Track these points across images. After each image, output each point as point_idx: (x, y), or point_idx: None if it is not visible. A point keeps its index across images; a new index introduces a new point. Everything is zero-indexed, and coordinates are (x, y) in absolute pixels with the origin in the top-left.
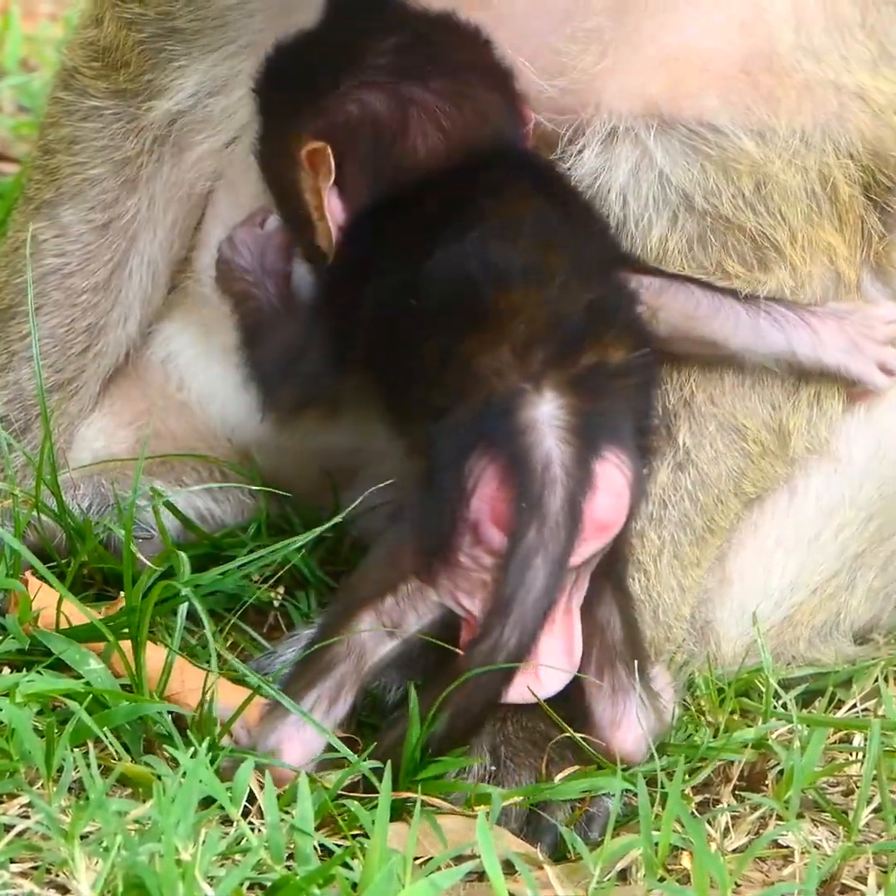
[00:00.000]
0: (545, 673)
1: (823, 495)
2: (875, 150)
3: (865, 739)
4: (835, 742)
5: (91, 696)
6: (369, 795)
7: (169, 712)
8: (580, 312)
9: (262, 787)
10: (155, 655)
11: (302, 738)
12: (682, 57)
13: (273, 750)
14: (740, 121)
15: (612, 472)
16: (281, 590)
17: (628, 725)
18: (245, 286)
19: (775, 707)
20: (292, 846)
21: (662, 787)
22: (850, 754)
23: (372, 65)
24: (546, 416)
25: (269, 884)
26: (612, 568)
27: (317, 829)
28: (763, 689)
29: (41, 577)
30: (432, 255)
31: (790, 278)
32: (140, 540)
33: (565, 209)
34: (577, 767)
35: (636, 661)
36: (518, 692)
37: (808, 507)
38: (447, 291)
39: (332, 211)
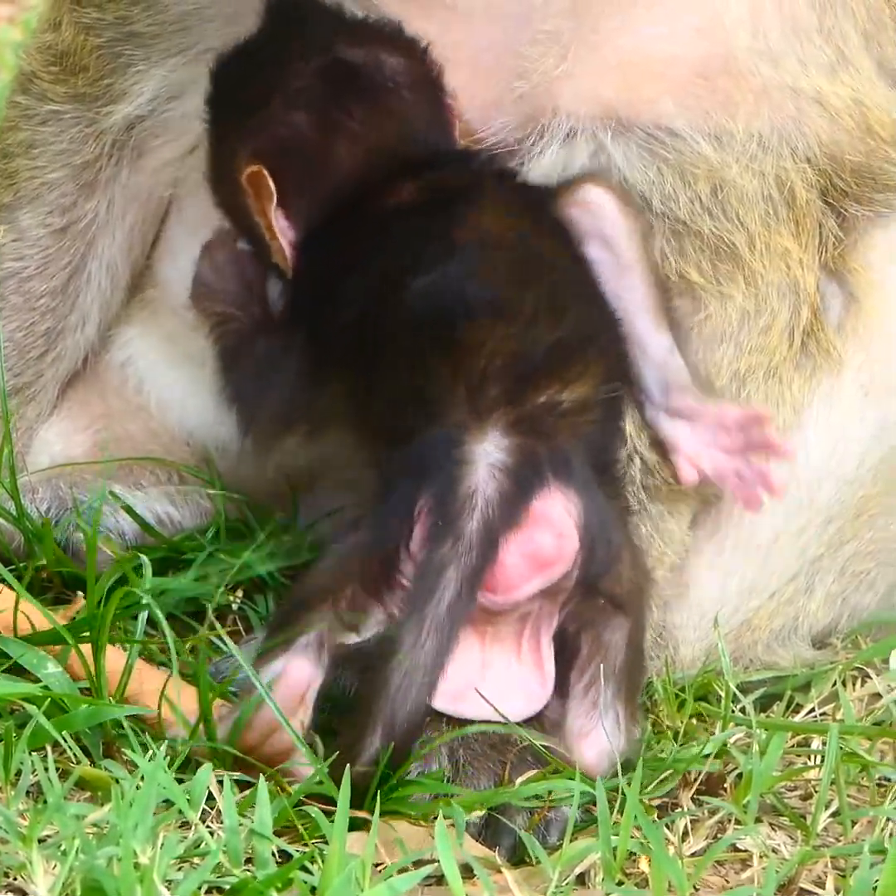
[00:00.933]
0: (502, 697)
1: (780, 500)
2: (832, 154)
3: (823, 744)
4: (792, 746)
5: (49, 699)
6: (330, 807)
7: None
8: (542, 349)
9: (222, 790)
10: (113, 658)
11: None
12: (638, 60)
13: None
14: (698, 125)
15: (554, 512)
16: (239, 593)
17: (596, 738)
18: (224, 308)
19: (733, 711)
20: (251, 851)
21: (621, 792)
22: (808, 758)
23: (297, 87)
24: (484, 453)
25: (227, 887)
26: (628, 600)
27: (277, 835)
28: (721, 694)
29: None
30: (407, 278)
31: (748, 289)
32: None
33: (542, 230)
34: (536, 771)
35: (626, 688)
36: (476, 709)
37: (765, 512)
38: (419, 318)
39: (282, 230)
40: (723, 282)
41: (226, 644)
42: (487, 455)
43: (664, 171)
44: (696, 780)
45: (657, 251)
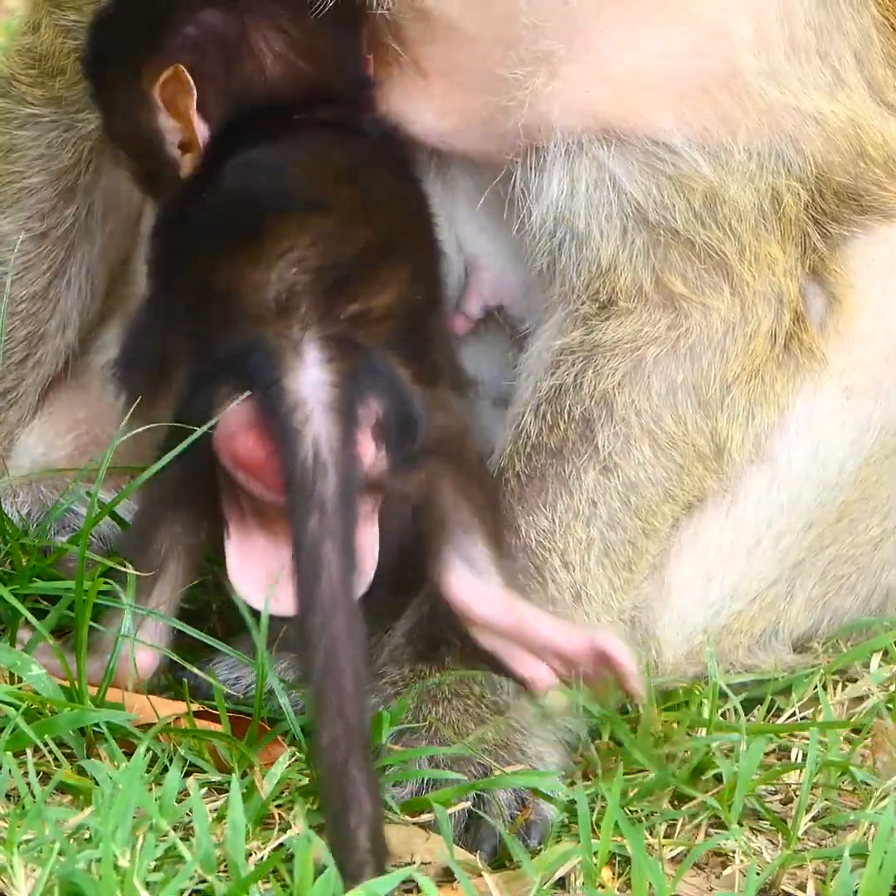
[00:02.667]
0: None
1: (762, 503)
2: (822, 174)
3: (805, 748)
4: (773, 750)
5: (28, 703)
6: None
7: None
8: (354, 253)
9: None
10: None
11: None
12: (640, 76)
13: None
14: (697, 141)
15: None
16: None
17: (470, 585)
18: None
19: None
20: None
21: (601, 796)
22: (790, 759)
23: None
24: (311, 385)
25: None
26: (445, 450)
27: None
28: (703, 698)
29: None
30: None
31: (733, 298)
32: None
33: (382, 165)
34: (520, 767)
35: (483, 528)
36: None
37: (747, 515)
38: (228, 201)
39: (200, 130)
40: (707, 292)
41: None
42: (315, 388)
43: (660, 184)
44: (676, 783)
45: (639, 261)
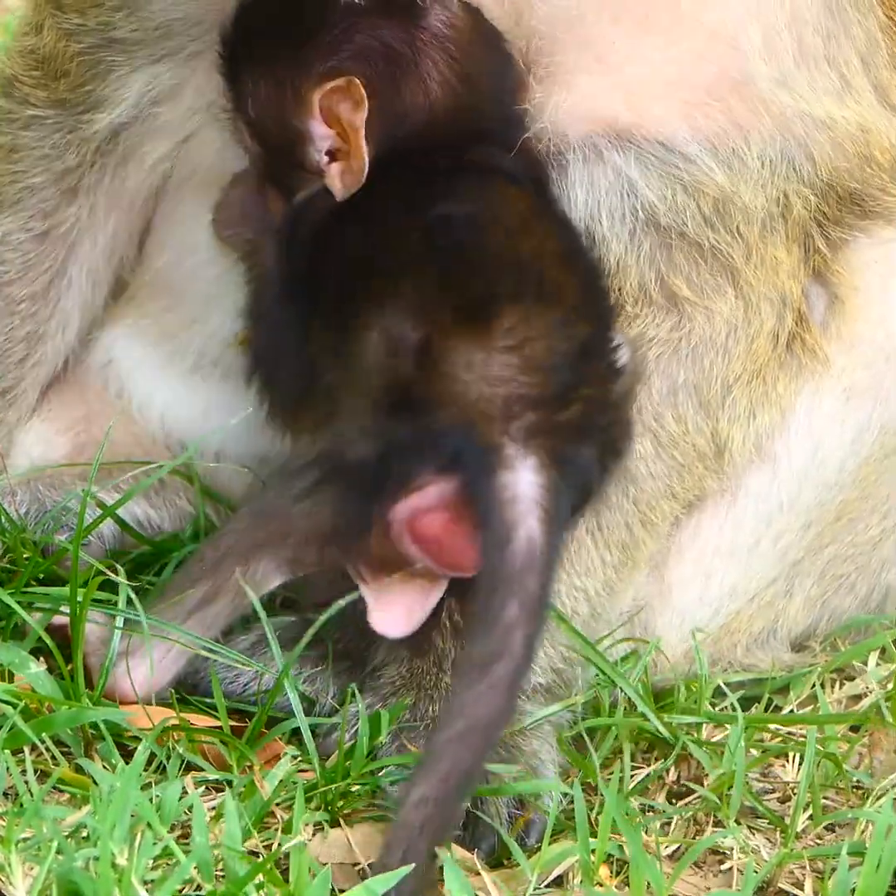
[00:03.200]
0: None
1: (762, 503)
2: (829, 180)
3: (802, 747)
4: (770, 751)
5: (26, 701)
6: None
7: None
8: (574, 353)
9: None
10: None
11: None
12: (652, 82)
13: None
14: (710, 147)
15: None
16: None
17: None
18: (253, 235)
19: (713, 710)
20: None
21: (600, 794)
22: (787, 760)
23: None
24: (527, 484)
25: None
26: None
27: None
28: (700, 696)
29: None
30: (445, 226)
31: (737, 300)
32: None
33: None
34: (518, 768)
35: None
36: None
37: (747, 515)
38: (443, 266)
39: (364, 149)
40: (711, 295)
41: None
42: (527, 483)
43: (672, 187)
44: (672, 780)
45: (645, 263)
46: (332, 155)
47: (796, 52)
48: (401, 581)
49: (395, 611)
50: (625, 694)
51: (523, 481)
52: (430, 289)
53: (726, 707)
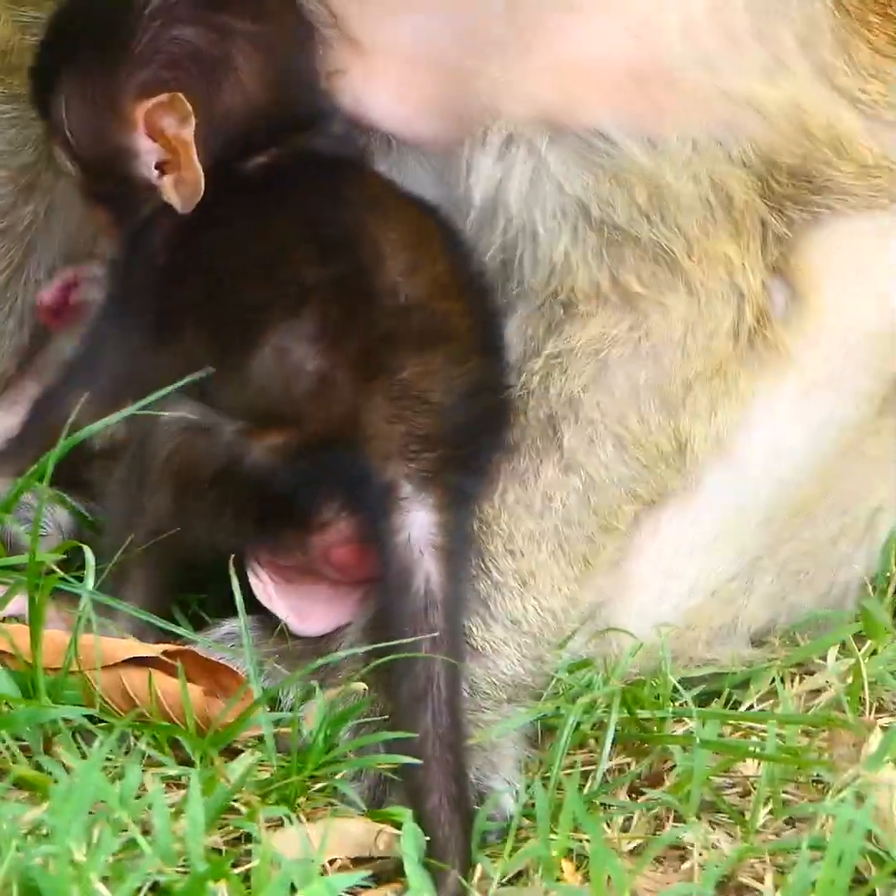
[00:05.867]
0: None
1: (721, 499)
2: (768, 157)
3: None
4: (730, 746)
5: None
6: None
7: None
8: (469, 390)
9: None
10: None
11: None
12: (573, 65)
13: None
14: (630, 129)
15: None
16: None
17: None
18: None
19: (672, 708)
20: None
21: (556, 789)
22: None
23: (182, 5)
24: (423, 526)
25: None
26: None
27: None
28: (659, 692)
29: None
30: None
31: (690, 297)
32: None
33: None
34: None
35: None
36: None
37: (707, 512)
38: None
39: (196, 160)
40: (663, 291)
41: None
42: (422, 524)
43: (600, 177)
44: (635, 777)
45: (593, 260)
46: (161, 168)
47: (720, 31)
48: (318, 584)
49: (313, 609)
50: (590, 691)
51: (418, 522)
52: (327, 317)
53: (685, 702)
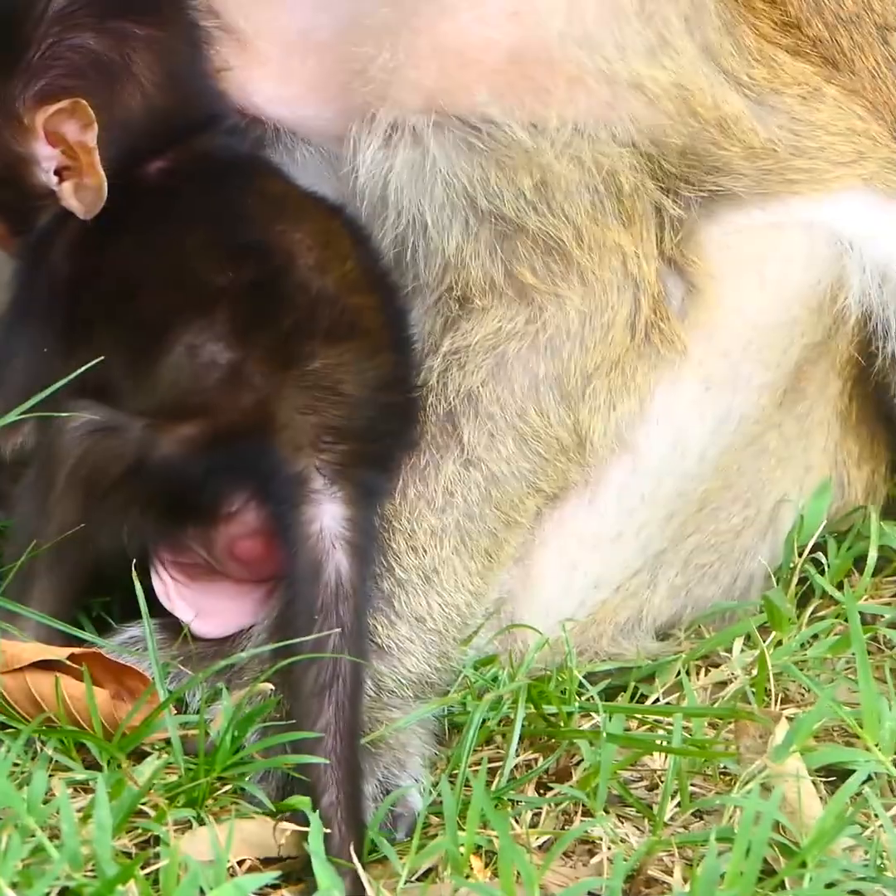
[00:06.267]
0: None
1: (623, 494)
2: (654, 138)
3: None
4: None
5: None
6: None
7: None
8: (379, 384)
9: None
10: None
11: None
12: (456, 47)
13: None
14: (512, 113)
15: None
16: None
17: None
18: None
19: (579, 703)
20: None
21: (466, 786)
22: (652, 753)
23: (71, 8)
24: (333, 518)
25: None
26: None
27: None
28: (566, 688)
29: None
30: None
31: (584, 287)
32: None
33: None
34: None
35: None
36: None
37: (609, 506)
38: (240, 291)
39: (99, 165)
40: (558, 282)
41: None
42: (332, 516)
43: (484, 164)
44: (541, 771)
45: (485, 253)
46: (60, 174)
47: (602, 11)
48: (221, 582)
49: (216, 610)
50: (496, 687)
51: (329, 514)
52: (238, 315)
53: (591, 697)
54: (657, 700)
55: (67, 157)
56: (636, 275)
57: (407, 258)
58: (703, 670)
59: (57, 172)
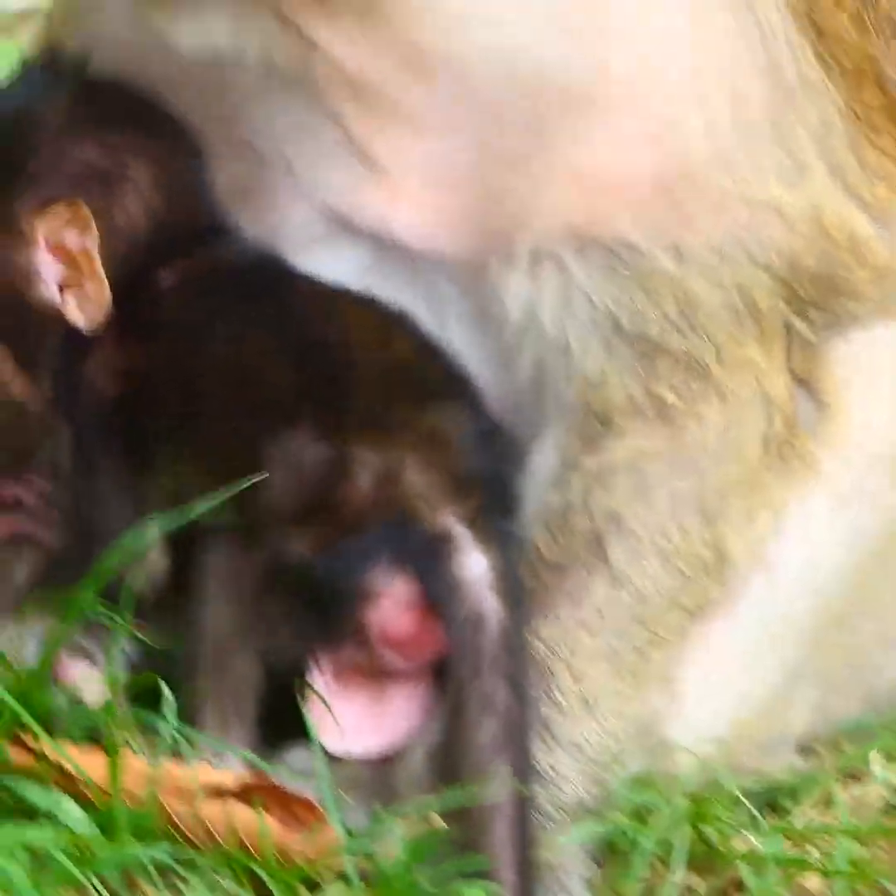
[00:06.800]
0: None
1: (761, 610)
2: (789, 259)
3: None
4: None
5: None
6: None
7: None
8: (475, 432)
9: None
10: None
11: None
12: (594, 174)
13: None
14: (656, 239)
15: None
16: None
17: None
18: None
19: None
20: None
21: None
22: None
23: (70, 121)
24: (479, 569)
25: None
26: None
27: None
28: (719, 806)
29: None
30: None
31: (722, 405)
32: None
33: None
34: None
35: None
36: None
37: (748, 622)
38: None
39: (101, 273)
40: (697, 401)
41: None
42: (479, 567)
43: (628, 289)
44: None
45: (627, 374)
46: (63, 287)
47: (741, 134)
48: (360, 682)
49: (373, 726)
50: (652, 808)
51: (477, 564)
52: (322, 410)
53: (753, 816)
54: (803, 817)
55: (69, 268)
56: (770, 392)
57: (545, 378)
58: (844, 785)
59: (59, 285)
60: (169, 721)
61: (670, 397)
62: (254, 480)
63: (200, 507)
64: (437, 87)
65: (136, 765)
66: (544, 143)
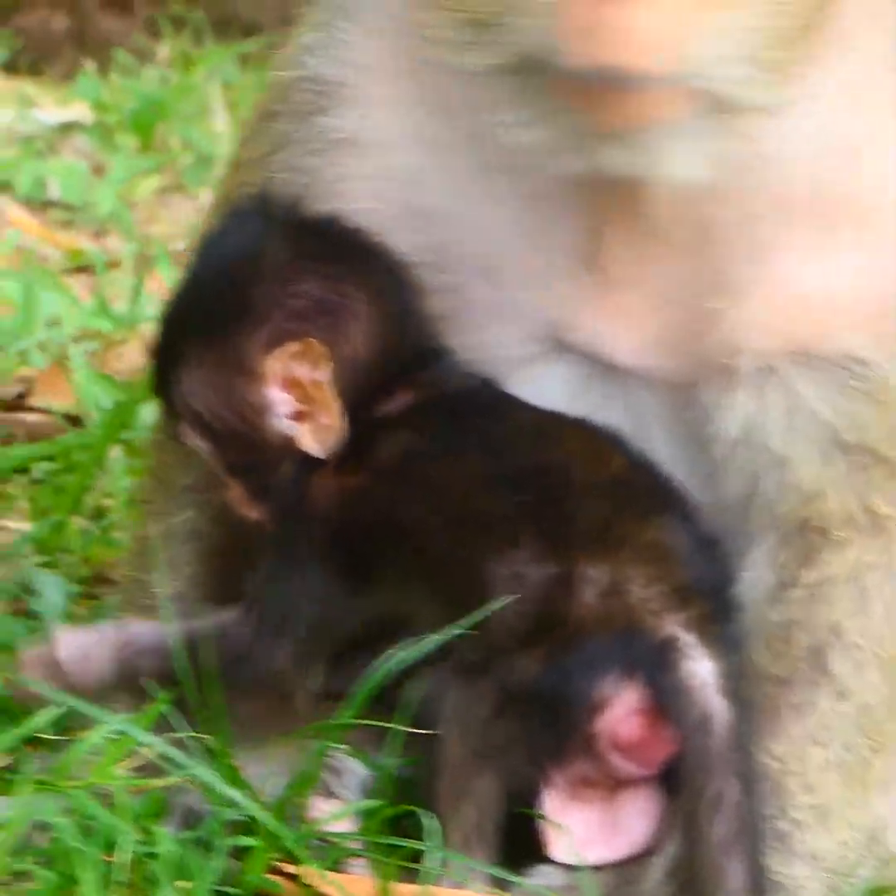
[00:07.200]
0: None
1: None
2: None
3: None
4: None
5: None
6: None
7: None
8: (692, 542)
9: None
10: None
11: None
12: (822, 297)
13: None
14: (884, 353)
15: None
16: None
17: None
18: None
19: None
20: None
21: None
22: None
23: (291, 258)
24: (707, 675)
25: None
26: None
27: None
28: None
29: None
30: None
31: None
32: None
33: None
34: None
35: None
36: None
37: None
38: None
39: (335, 404)
40: None
41: None
42: (706, 673)
43: (855, 400)
44: None
45: (843, 485)
46: (295, 419)
47: None
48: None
49: (612, 833)
50: None
51: (704, 669)
52: (544, 531)
53: None
54: None
55: (301, 400)
56: None
57: (759, 490)
58: None
59: (291, 417)
60: (432, 848)
61: (883, 508)
62: (494, 608)
63: (442, 636)
64: None
65: (405, 891)
66: (764, 268)
